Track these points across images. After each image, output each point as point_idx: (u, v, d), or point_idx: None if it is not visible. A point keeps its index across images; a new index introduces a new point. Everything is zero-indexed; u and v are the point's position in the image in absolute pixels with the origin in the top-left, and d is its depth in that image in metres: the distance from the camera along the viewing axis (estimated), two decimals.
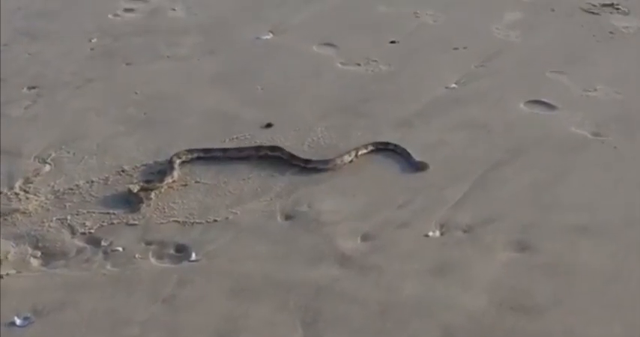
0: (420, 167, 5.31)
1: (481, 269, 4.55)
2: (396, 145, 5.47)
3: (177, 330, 4.19)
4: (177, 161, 5.30)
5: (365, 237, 4.77)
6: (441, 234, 4.82)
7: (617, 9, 7.31)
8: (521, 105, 5.96)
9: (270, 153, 5.40)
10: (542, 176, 5.24)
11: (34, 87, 6.15)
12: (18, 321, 4.24)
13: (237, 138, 5.60)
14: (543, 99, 6.01)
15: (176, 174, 5.24)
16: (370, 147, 5.48)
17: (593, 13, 7.29)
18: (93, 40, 6.81)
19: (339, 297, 4.36)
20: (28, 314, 4.27)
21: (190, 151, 5.37)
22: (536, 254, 4.64)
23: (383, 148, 5.50)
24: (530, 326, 4.18)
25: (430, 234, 4.81)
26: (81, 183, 5.20)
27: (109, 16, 7.24)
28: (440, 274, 4.52)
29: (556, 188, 5.14)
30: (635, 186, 5.14)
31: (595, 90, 6.14)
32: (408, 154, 5.39)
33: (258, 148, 5.42)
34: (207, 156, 5.37)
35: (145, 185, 5.16)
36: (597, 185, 5.16)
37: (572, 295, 4.36)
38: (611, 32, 6.97)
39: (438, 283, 4.46)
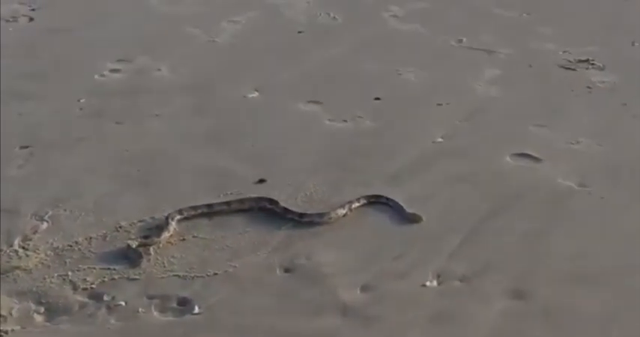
0: (413, 219, 5.41)
1: (480, 318, 4.65)
2: (388, 198, 5.57)
3: None
4: (177, 217, 5.37)
5: (364, 288, 4.85)
6: (438, 283, 4.91)
7: (593, 64, 7.51)
8: (507, 158, 6.10)
9: (268, 205, 5.48)
10: (533, 226, 5.37)
11: (26, 147, 6.20)
12: None
13: (231, 193, 5.67)
14: (528, 152, 6.15)
15: (172, 229, 5.30)
16: (363, 201, 5.57)
17: (569, 68, 7.48)
18: (81, 100, 6.89)
19: None
20: None
21: (194, 208, 5.44)
22: (532, 302, 4.75)
23: (375, 201, 5.59)
24: None
25: (427, 283, 4.90)
26: (80, 239, 5.24)
27: (96, 76, 7.32)
28: (440, 323, 4.62)
29: (548, 237, 5.26)
30: (623, 235, 5.28)
31: (578, 142, 6.30)
32: (401, 207, 5.50)
33: (259, 199, 5.50)
34: (211, 211, 5.44)
35: (144, 240, 5.21)
36: (587, 234, 5.29)
37: None
38: (588, 87, 7.16)
39: (439, 332, 4.56)
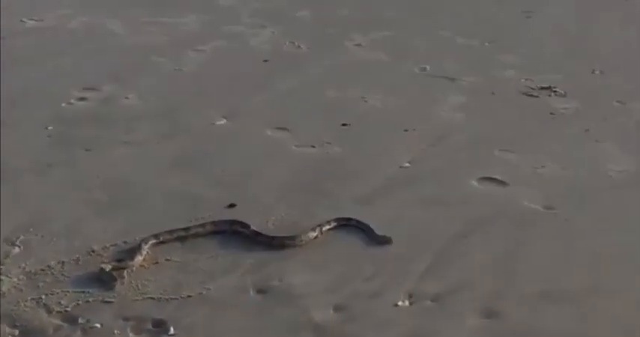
0: (383, 241, 5.48)
1: (452, 336, 4.71)
2: (358, 221, 5.64)
3: None
4: (151, 240, 5.40)
5: (337, 308, 4.91)
6: (410, 303, 4.98)
7: (555, 91, 7.67)
8: (474, 182, 6.20)
9: (240, 228, 5.53)
10: (501, 247, 5.46)
11: None
12: None
13: (202, 218, 5.71)
14: (495, 176, 6.25)
15: (145, 252, 5.32)
16: (334, 223, 5.64)
17: (532, 95, 7.63)
18: (49, 128, 6.91)
19: None
20: None
21: (170, 232, 5.47)
22: (503, 321, 4.83)
23: (345, 224, 5.66)
24: None
25: (400, 303, 4.97)
26: (52, 263, 5.25)
27: (63, 104, 7.36)
28: None
29: (516, 258, 5.35)
30: (588, 255, 5.39)
31: (543, 166, 6.42)
32: (371, 229, 5.56)
33: (232, 222, 5.55)
34: (187, 234, 5.48)
35: (117, 264, 5.23)
36: (554, 254, 5.39)
37: None
38: (551, 113, 7.31)
39: None
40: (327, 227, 5.61)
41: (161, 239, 5.46)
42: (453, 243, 5.48)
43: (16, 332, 4.73)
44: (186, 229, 5.53)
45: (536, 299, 4.98)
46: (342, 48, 8.76)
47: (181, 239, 5.49)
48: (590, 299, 4.98)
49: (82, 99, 7.47)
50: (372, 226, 5.58)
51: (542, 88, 7.74)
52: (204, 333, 4.72)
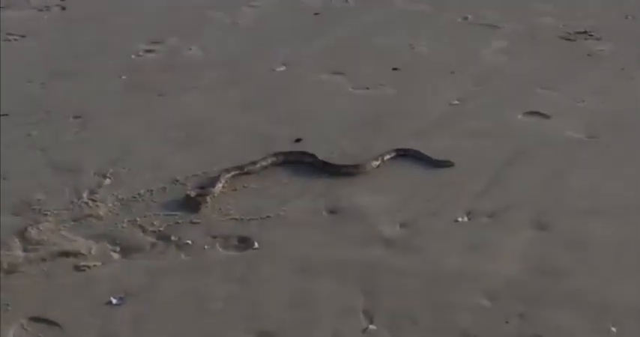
0: (445, 164, 5.98)
1: (508, 245, 5.23)
2: (416, 150, 6.14)
3: (255, 303, 4.78)
4: (233, 171, 5.93)
5: (403, 225, 5.43)
6: (469, 219, 5.49)
7: (591, 35, 8.14)
8: (519, 116, 6.70)
9: (307, 159, 6.06)
10: (548, 171, 5.96)
11: (78, 117, 6.75)
12: (114, 301, 4.82)
13: (272, 152, 6.23)
14: (538, 110, 6.75)
15: (224, 180, 5.86)
16: (393, 153, 6.15)
17: (569, 39, 8.11)
18: (123, 77, 7.45)
19: (390, 271, 5.00)
20: (122, 295, 4.85)
21: (253, 162, 6.01)
22: (554, 232, 5.33)
23: (404, 154, 6.17)
24: (558, 287, 4.84)
25: (459, 219, 5.49)
26: (142, 191, 5.80)
27: (133, 56, 7.89)
28: (474, 250, 5.19)
29: (563, 180, 5.86)
30: (630, 176, 5.88)
31: (583, 101, 6.91)
32: (428, 156, 6.07)
33: (303, 153, 6.09)
34: (266, 164, 6.05)
35: (201, 191, 5.77)
36: (598, 176, 5.89)
37: (589, 262, 5.05)
38: (588, 54, 7.79)
39: (474, 257, 5.12)
40: (388, 156, 6.12)
41: (245, 170, 5.97)
42: (504, 168, 5.99)
43: (117, 248, 5.28)
44: (262, 159, 6.04)
45: (583, 214, 5.48)
46: (388, 1, 9.23)
47: (258, 169, 6.01)
48: (632, 214, 5.48)
49: (149, 51, 8.00)
50: (428, 154, 6.09)
51: (579, 33, 8.21)
52: (285, 247, 5.25)
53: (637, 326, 4.55)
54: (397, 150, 6.18)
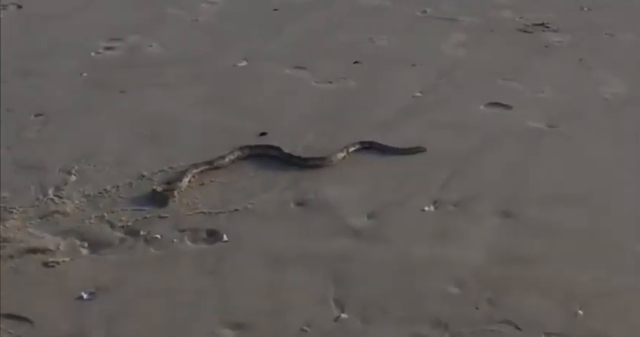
0: (417, 150, 6.06)
1: (475, 233, 5.30)
2: (380, 144, 6.19)
3: (227, 295, 4.81)
4: (201, 167, 5.94)
5: (370, 215, 5.48)
6: (435, 208, 5.55)
7: (548, 27, 8.23)
8: (482, 107, 6.78)
9: (272, 153, 6.08)
10: (511, 160, 6.05)
11: (40, 115, 6.71)
12: (85, 296, 4.81)
13: (237, 146, 6.24)
14: (500, 101, 6.83)
15: (191, 175, 5.87)
16: (358, 145, 6.19)
17: (527, 32, 8.19)
18: (84, 74, 7.42)
19: (359, 261, 5.05)
20: (92, 290, 4.85)
21: (221, 157, 6.03)
22: (520, 220, 5.41)
23: (369, 146, 6.21)
24: (525, 273, 4.92)
25: (426, 208, 5.54)
26: (108, 187, 5.78)
27: (92, 53, 7.86)
28: (442, 239, 5.26)
29: (526, 167, 5.95)
30: (590, 164, 5.98)
31: (542, 91, 7.00)
32: (395, 147, 6.11)
33: (269, 147, 6.11)
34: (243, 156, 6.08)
35: (168, 186, 5.77)
36: (560, 164, 5.99)
37: (556, 249, 5.14)
38: (546, 46, 7.88)
39: (442, 246, 5.19)
40: (353, 148, 6.16)
41: (214, 164, 5.98)
42: (468, 158, 6.06)
43: (86, 244, 5.27)
44: (230, 153, 6.06)
45: (548, 202, 5.57)
46: None
47: (227, 163, 6.02)
48: (594, 199, 5.58)
49: (109, 48, 7.96)
50: (394, 146, 6.14)
51: (536, 25, 8.30)
52: (254, 239, 5.27)
53: (603, 309, 4.64)
54: (362, 143, 6.21)
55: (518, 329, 4.49)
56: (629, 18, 8.49)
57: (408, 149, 6.09)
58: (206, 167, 5.96)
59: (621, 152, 6.12)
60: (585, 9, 8.76)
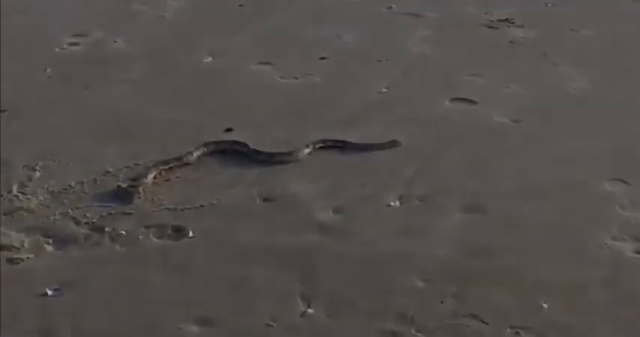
0: (392, 145, 6.06)
1: (441, 227, 5.32)
2: (353, 142, 6.18)
3: (193, 291, 4.80)
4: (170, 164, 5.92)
5: (337, 210, 5.48)
6: (401, 203, 5.57)
7: (512, 23, 8.27)
8: (447, 103, 6.80)
9: (238, 148, 6.07)
10: (477, 155, 6.07)
11: (4, 111, 6.66)
12: (50, 292, 4.78)
13: (202, 142, 6.23)
14: (465, 97, 6.86)
15: (156, 172, 5.85)
16: (328, 143, 6.18)
17: (492, 27, 8.23)
18: (47, 70, 7.37)
19: (326, 256, 5.06)
20: (58, 286, 4.82)
21: (189, 153, 6.02)
22: (485, 214, 5.44)
23: (343, 146, 6.19)
24: (490, 267, 4.95)
25: (392, 203, 5.56)
26: (72, 183, 5.75)
27: (57, 49, 7.80)
28: (408, 233, 5.27)
29: (492, 163, 5.98)
30: (554, 158, 6.02)
31: (507, 87, 7.03)
32: (370, 144, 6.12)
33: (235, 142, 6.10)
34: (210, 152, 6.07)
35: (133, 182, 5.74)
36: (525, 159, 6.02)
37: (522, 243, 5.17)
38: (510, 41, 7.91)
39: (408, 240, 5.21)
40: (320, 145, 6.15)
41: (184, 161, 5.96)
42: (434, 154, 6.08)
43: (50, 240, 5.24)
44: (196, 149, 6.04)
45: (513, 196, 5.60)
46: None
47: (195, 159, 6.01)
48: (559, 193, 5.62)
49: (73, 44, 7.91)
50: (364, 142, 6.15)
51: (500, 21, 8.33)
52: (221, 235, 5.27)
53: (567, 302, 4.67)
54: (335, 142, 6.19)
55: (484, 322, 4.50)
56: (593, 13, 8.54)
57: (383, 144, 6.07)
58: (174, 163, 5.93)
59: (585, 146, 6.15)
60: (549, 4, 8.80)
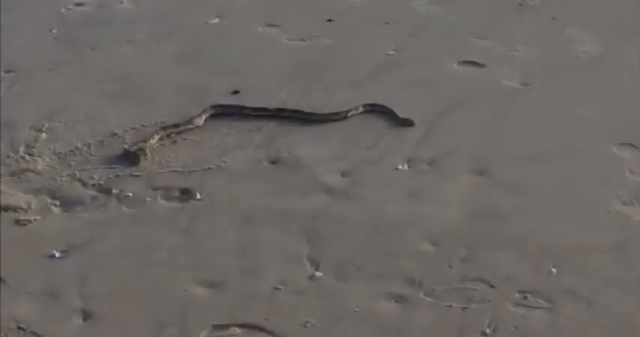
0: (407, 123, 5.98)
1: (449, 191, 5.30)
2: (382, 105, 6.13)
3: (200, 253, 4.79)
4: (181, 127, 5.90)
5: (344, 173, 5.46)
6: (409, 167, 5.54)
7: None
8: (455, 65, 6.75)
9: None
10: (485, 118, 6.03)
11: (10, 71, 6.63)
12: (57, 254, 4.78)
13: (209, 104, 6.20)
14: (473, 60, 6.81)
15: (162, 133, 5.82)
16: (361, 109, 6.12)
17: None
18: (53, 31, 7.33)
19: (333, 219, 5.04)
20: (65, 248, 4.81)
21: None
22: (493, 177, 5.41)
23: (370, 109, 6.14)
24: (498, 230, 4.93)
25: (400, 167, 5.53)
26: (79, 145, 5.74)
27: (62, 10, 7.75)
28: (415, 197, 5.25)
29: (500, 127, 5.93)
30: (562, 122, 5.97)
31: (516, 50, 6.98)
32: (394, 112, 6.06)
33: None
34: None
35: (139, 144, 5.71)
36: (534, 122, 5.98)
37: (529, 206, 5.15)
38: (520, 4, 7.83)
39: (416, 203, 5.19)
40: (355, 112, 6.08)
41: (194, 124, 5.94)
42: (441, 116, 6.04)
43: (57, 202, 5.23)
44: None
45: (521, 160, 5.57)
46: None
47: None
48: (566, 157, 5.58)
49: (78, 4, 7.86)
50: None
51: None
52: (228, 197, 5.25)
53: (575, 266, 4.65)
54: (364, 106, 6.14)
55: (492, 286, 4.49)
56: None
57: (399, 118, 6.00)
58: (186, 127, 5.90)
59: (594, 110, 6.11)
60: None
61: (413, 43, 7.12)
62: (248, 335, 4.27)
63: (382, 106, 6.10)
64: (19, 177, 5.43)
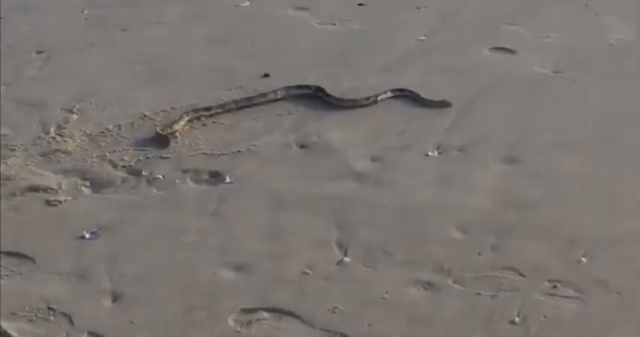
0: (443, 105, 5.95)
1: (479, 178, 5.27)
2: (410, 90, 6.11)
3: (230, 236, 4.80)
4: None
5: (374, 159, 5.45)
6: (439, 153, 5.52)
7: None
8: (486, 51, 6.72)
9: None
10: (516, 105, 6.00)
11: (42, 52, 6.67)
12: (87, 235, 4.80)
13: (240, 86, 6.21)
14: (504, 46, 6.77)
15: (192, 115, 5.82)
16: (390, 93, 6.10)
17: None
18: (84, 12, 7.35)
19: (362, 205, 5.03)
20: (95, 229, 4.83)
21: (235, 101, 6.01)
22: (523, 166, 5.37)
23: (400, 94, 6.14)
24: (528, 219, 4.89)
25: (429, 153, 5.51)
26: (110, 126, 5.76)
27: None
28: (445, 183, 5.23)
29: (530, 114, 5.90)
30: (596, 109, 5.93)
31: (548, 37, 6.93)
32: (422, 97, 6.04)
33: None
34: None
35: (170, 126, 5.72)
36: (565, 110, 5.94)
37: (560, 195, 5.10)
38: None
39: (445, 190, 5.16)
40: (384, 96, 6.06)
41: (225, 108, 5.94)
42: (472, 103, 6.02)
43: (87, 183, 5.26)
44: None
45: (551, 148, 5.52)
46: None
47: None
48: (597, 146, 5.54)
49: None
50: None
51: None
52: (257, 180, 5.26)
53: (605, 256, 4.61)
54: (393, 91, 6.12)
55: (522, 275, 4.47)
56: None
57: (436, 102, 5.99)
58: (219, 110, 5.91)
59: (626, 98, 6.06)
60: None
61: (444, 29, 7.10)
62: (276, 319, 4.26)
63: (411, 92, 6.07)
64: (50, 158, 5.45)
